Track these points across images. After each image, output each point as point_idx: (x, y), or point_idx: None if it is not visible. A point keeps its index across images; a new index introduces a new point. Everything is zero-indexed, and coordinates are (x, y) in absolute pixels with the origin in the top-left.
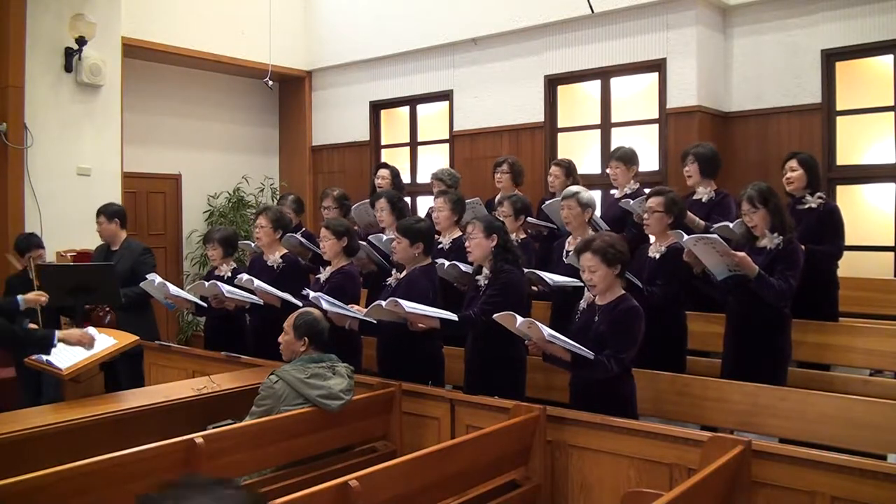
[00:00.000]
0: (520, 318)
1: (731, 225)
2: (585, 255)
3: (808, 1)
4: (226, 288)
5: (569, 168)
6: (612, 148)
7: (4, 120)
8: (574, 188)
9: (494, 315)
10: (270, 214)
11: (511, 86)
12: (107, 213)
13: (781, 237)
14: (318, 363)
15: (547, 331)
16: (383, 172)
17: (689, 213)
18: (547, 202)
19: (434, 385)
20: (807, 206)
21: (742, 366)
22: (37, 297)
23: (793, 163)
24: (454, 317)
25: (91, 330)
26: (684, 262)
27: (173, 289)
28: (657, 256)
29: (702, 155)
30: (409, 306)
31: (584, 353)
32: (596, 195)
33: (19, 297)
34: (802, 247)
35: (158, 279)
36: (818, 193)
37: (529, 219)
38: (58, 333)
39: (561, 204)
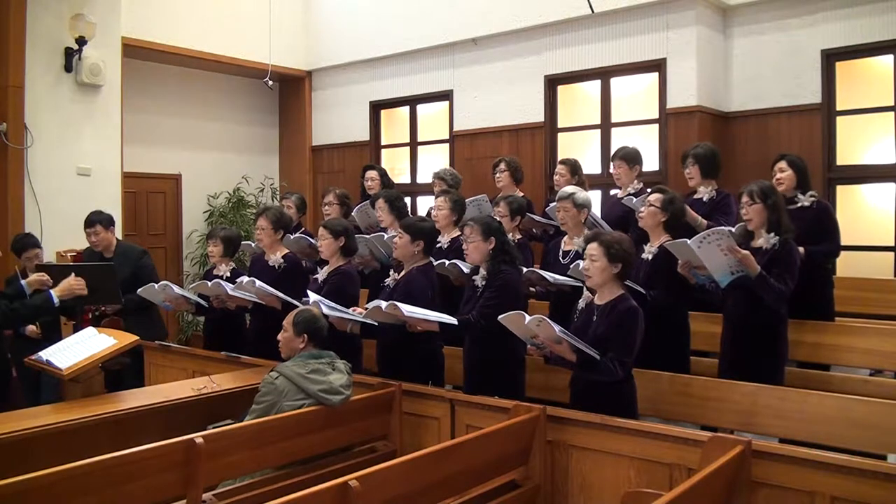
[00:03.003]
0: (529, 317)
1: (733, 230)
2: (592, 244)
3: (808, 1)
4: (229, 287)
5: (573, 166)
6: (613, 148)
7: (4, 120)
8: (569, 189)
9: (500, 317)
10: (270, 215)
11: (511, 86)
12: (103, 221)
13: (777, 238)
14: (318, 359)
15: (558, 328)
16: (371, 174)
17: (690, 210)
18: (551, 206)
19: (434, 385)
20: (799, 205)
21: (739, 366)
22: (39, 278)
23: (782, 164)
24: (453, 320)
25: (91, 330)
26: (680, 275)
27: (176, 289)
28: (649, 258)
29: (701, 156)
30: (408, 310)
31: (592, 354)
32: (596, 195)
33: (23, 280)
34: (801, 249)
35: (158, 284)
36: (810, 192)
37: (532, 215)
38: (53, 291)
39: (556, 206)
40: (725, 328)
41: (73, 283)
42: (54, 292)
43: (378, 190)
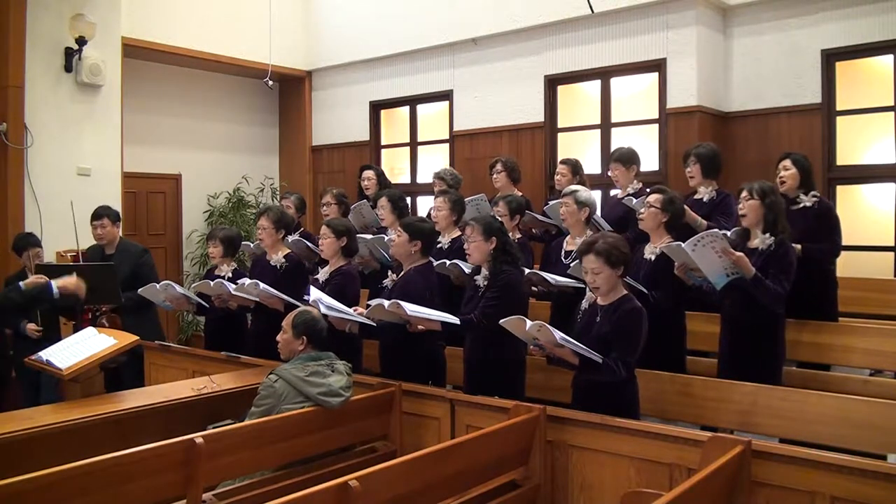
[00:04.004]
0: (529, 322)
1: (728, 233)
2: (588, 257)
3: (808, 1)
4: (232, 287)
5: (575, 167)
6: (613, 148)
7: (4, 120)
8: (574, 186)
9: (502, 321)
10: (272, 215)
11: (511, 86)
12: (111, 215)
13: (773, 238)
14: (317, 361)
15: (559, 334)
16: (368, 174)
17: (690, 211)
18: (549, 204)
19: (434, 385)
20: (801, 206)
21: (737, 366)
22: (37, 279)
23: (786, 162)
24: (455, 320)
25: (91, 330)
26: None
27: (179, 288)
28: (652, 258)
29: (703, 155)
30: (411, 309)
31: (593, 357)
32: (597, 195)
33: (20, 283)
34: (798, 246)
35: (160, 284)
36: (812, 192)
37: (534, 214)
38: (53, 281)
39: (559, 202)
40: (723, 328)
41: (78, 282)
42: (55, 282)
43: (374, 190)
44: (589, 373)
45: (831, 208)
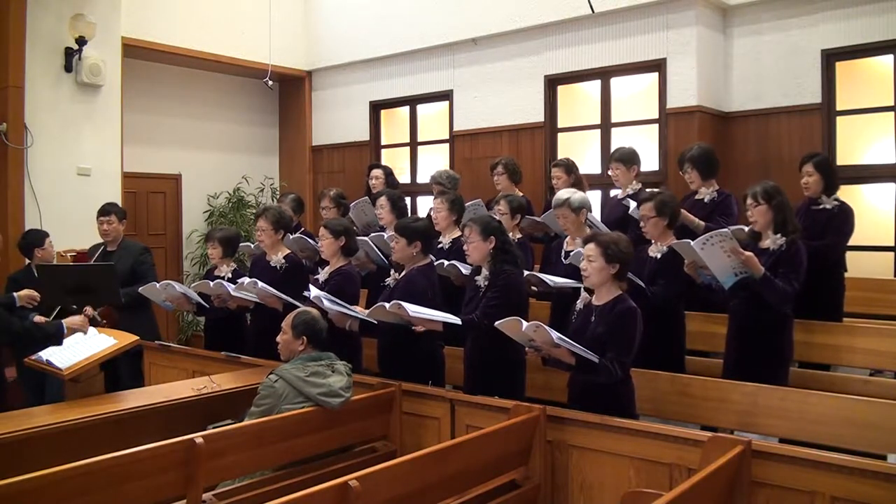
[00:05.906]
0: (525, 323)
1: (742, 228)
2: (589, 245)
3: (808, 1)
4: (231, 287)
5: (568, 166)
6: (613, 148)
7: (4, 120)
8: (564, 194)
9: (497, 322)
10: (270, 216)
11: (511, 86)
12: (118, 212)
13: (784, 238)
14: (317, 361)
15: (555, 334)
16: (376, 172)
17: (685, 212)
18: (546, 213)
19: (434, 385)
20: (821, 207)
21: (743, 366)
22: (28, 294)
23: (808, 167)
24: (457, 320)
25: (91, 330)
26: (685, 274)
27: (179, 287)
28: (658, 256)
29: (697, 158)
30: (413, 310)
31: (590, 357)
32: (596, 195)
33: (14, 293)
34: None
35: (160, 283)
36: (835, 196)
37: (534, 218)
38: (64, 322)
39: (555, 213)
40: (731, 327)
41: (84, 322)
42: (65, 323)
43: (382, 189)
44: (585, 373)
45: (847, 211)
